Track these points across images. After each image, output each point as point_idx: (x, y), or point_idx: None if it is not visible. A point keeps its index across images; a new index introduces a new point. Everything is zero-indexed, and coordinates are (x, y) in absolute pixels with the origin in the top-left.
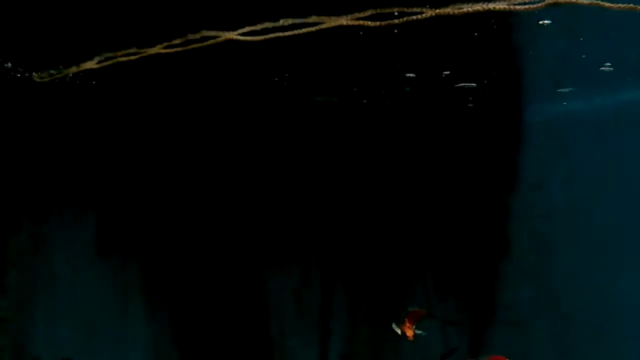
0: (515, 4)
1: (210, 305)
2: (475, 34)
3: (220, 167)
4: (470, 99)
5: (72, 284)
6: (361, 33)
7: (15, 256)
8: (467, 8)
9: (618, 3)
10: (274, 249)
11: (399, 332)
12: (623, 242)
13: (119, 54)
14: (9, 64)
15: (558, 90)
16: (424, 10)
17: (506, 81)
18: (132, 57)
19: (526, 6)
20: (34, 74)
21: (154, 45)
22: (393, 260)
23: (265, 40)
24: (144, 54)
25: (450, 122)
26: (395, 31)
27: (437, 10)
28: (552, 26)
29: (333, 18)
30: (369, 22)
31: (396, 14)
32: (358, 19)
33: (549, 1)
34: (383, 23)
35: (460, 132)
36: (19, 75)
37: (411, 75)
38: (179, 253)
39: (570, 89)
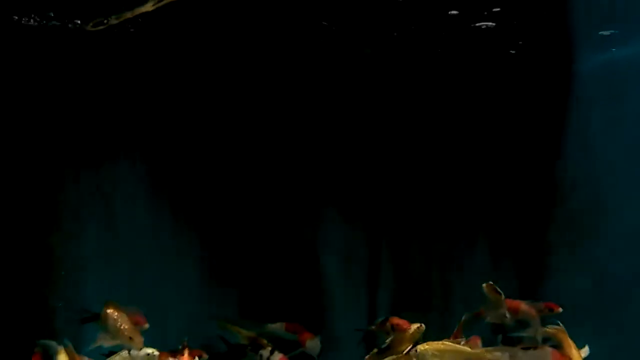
0: None
1: (261, 255)
2: None
3: (269, 118)
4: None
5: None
6: None
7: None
8: None
9: None
10: (323, 204)
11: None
12: None
13: None
14: (52, 14)
15: (607, 35)
16: None
17: (553, 27)
18: None
19: None
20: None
21: None
22: (443, 218)
23: None
24: None
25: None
26: None
27: None
28: None
29: None
30: None
31: None
32: None
33: None
34: None
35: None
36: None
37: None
38: (231, 203)
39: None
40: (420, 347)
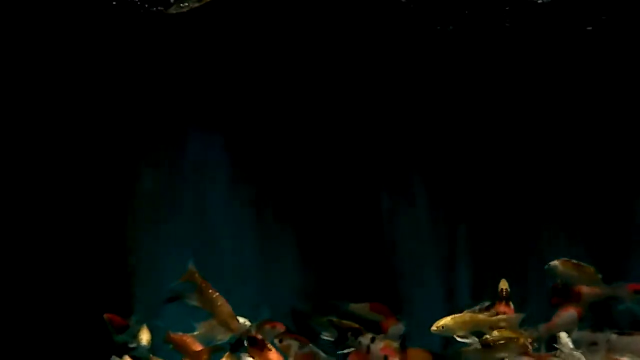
0: None
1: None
2: None
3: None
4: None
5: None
6: None
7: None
8: None
9: None
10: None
11: None
12: None
13: None
14: None
15: None
16: None
17: None
18: None
19: None
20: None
21: None
22: (524, 203)
23: None
24: None
25: None
26: None
27: None
28: None
29: None
30: None
31: None
32: None
33: None
34: None
35: None
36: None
37: None
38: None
39: None
40: (444, 321)
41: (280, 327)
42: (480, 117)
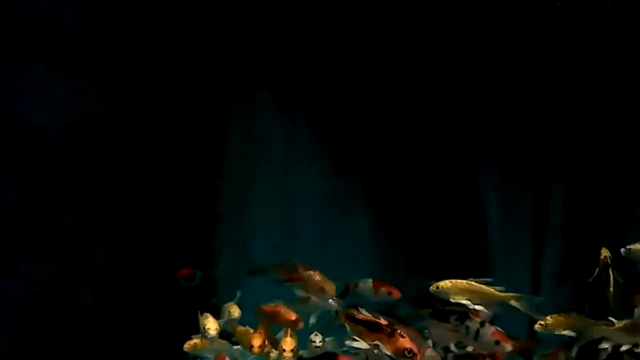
0: None
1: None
2: None
3: None
4: None
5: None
6: None
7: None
8: None
9: None
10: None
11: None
12: None
13: None
14: None
15: None
16: None
17: None
18: None
19: None
20: None
21: None
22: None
23: None
24: None
25: None
26: None
27: None
28: None
29: None
30: None
31: None
32: None
33: None
34: None
35: None
36: None
37: None
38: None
39: None
40: (442, 284)
41: (396, 293)
42: (575, 92)
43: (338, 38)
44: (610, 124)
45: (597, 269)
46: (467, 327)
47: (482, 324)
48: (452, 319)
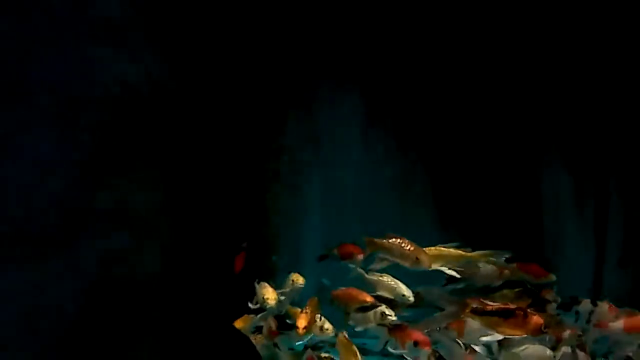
0: None
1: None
2: None
3: None
4: None
5: None
6: None
7: None
8: None
9: None
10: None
11: None
12: None
13: None
14: None
15: None
16: None
17: None
18: None
19: None
20: None
21: None
22: None
23: None
24: None
25: None
26: None
27: None
28: None
29: None
30: None
31: None
32: None
33: None
34: None
35: None
36: None
37: None
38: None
39: None
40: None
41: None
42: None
43: (398, 27)
44: None
45: None
46: (577, 312)
47: (594, 303)
48: (551, 307)
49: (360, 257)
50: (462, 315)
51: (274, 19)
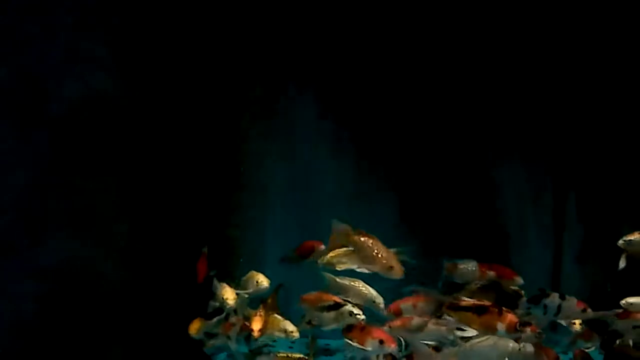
0: None
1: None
2: None
3: None
4: None
5: None
6: None
7: None
8: None
9: None
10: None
11: None
12: None
13: None
14: None
15: None
16: None
17: None
18: None
19: None
20: None
21: None
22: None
23: None
24: None
25: None
26: None
27: None
28: None
29: None
30: None
31: None
32: None
33: None
34: None
35: None
36: None
37: None
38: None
39: None
40: (326, 258)
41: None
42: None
43: (353, 32)
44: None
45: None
46: (546, 306)
47: (562, 296)
48: (522, 302)
49: (322, 247)
50: (441, 311)
51: (234, 26)
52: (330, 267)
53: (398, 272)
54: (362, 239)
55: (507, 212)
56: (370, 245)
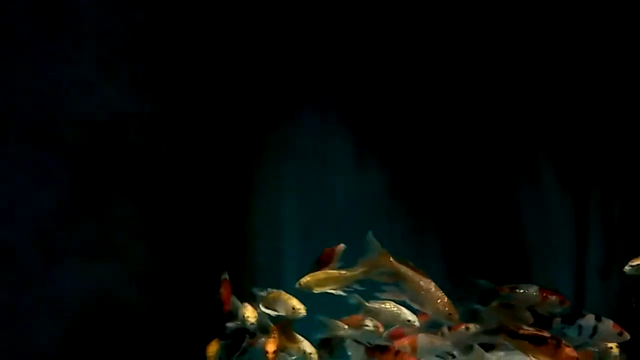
0: None
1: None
2: None
3: None
4: None
5: None
6: None
7: None
8: None
9: None
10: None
11: None
12: None
13: None
14: None
15: None
16: None
17: None
18: None
19: None
20: None
21: None
22: None
23: None
24: None
25: None
26: None
27: None
28: None
29: None
30: None
31: None
32: None
33: None
34: None
35: None
36: None
37: None
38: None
39: None
40: (303, 280)
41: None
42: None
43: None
44: None
45: None
46: (581, 327)
47: (598, 318)
48: (556, 322)
49: (342, 246)
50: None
51: (247, 46)
52: (308, 290)
53: (455, 318)
54: (412, 274)
55: (530, 232)
56: (424, 284)
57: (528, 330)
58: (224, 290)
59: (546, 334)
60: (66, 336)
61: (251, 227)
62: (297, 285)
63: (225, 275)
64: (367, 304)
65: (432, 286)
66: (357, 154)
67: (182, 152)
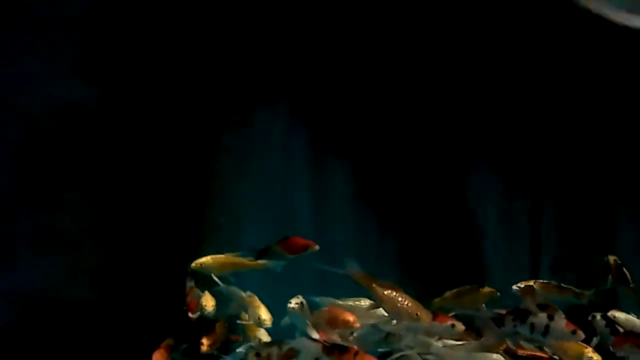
0: None
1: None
2: None
3: None
4: None
5: None
6: None
7: None
8: None
9: None
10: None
11: None
12: None
13: None
14: None
15: None
16: None
17: None
18: None
19: None
20: None
21: None
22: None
23: None
24: None
25: None
26: None
27: None
28: None
29: None
30: None
31: None
32: None
33: None
34: None
35: None
36: None
37: None
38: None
39: None
40: (202, 260)
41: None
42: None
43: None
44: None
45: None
46: (533, 324)
47: (550, 317)
48: (509, 319)
49: (316, 247)
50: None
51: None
52: (205, 272)
53: (426, 318)
54: (387, 292)
55: (481, 229)
56: (398, 298)
57: (526, 351)
58: (191, 298)
59: (545, 355)
60: (10, 331)
61: (210, 220)
62: (192, 265)
63: (192, 284)
64: (339, 302)
65: (403, 297)
66: (317, 152)
67: (135, 141)
